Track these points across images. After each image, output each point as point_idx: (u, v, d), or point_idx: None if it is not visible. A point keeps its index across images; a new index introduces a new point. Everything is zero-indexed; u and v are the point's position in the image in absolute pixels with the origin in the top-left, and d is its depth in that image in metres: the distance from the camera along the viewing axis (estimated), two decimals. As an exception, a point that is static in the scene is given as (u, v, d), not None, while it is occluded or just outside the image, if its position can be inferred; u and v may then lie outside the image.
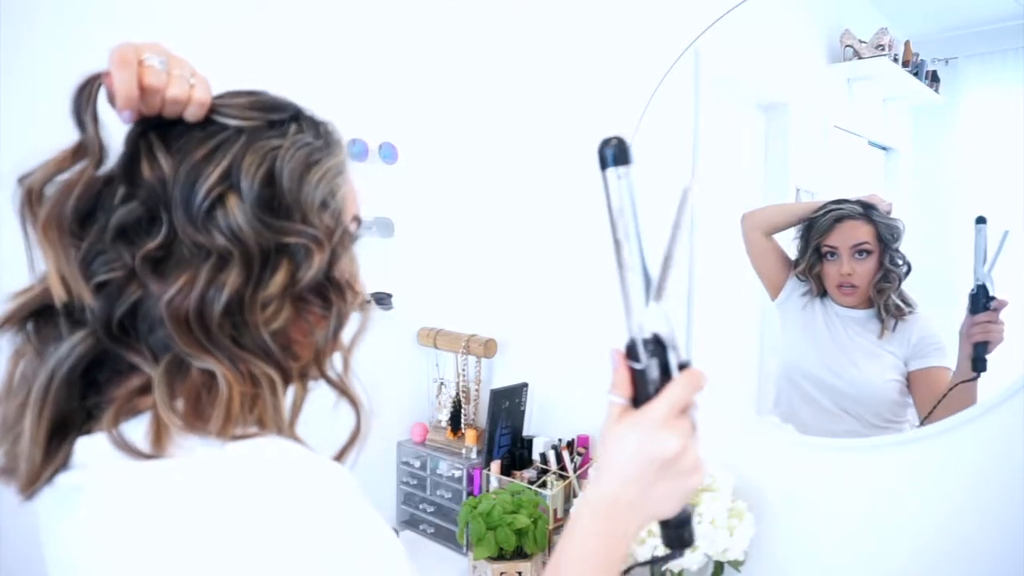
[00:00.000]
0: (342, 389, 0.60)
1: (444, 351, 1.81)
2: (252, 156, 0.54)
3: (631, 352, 0.55)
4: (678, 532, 0.58)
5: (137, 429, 0.49)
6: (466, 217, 1.85)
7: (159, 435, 0.48)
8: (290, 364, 0.55)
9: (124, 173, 0.53)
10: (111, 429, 0.49)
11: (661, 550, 0.65)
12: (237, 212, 0.52)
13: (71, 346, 0.52)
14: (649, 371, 0.54)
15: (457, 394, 1.77)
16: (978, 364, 1.11)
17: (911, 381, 1.22)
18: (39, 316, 0.53)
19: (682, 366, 0.55)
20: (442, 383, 1.83)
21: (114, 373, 0.53)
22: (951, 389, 1.13)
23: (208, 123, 0.55)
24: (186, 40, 1.33)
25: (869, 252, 1.25)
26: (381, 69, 1.74)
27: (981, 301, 1.12)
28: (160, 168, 0.52)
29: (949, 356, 1.17)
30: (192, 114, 0.54)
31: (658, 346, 0.54)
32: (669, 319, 0.54)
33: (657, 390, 0.54)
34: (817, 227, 1.29)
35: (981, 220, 1.13)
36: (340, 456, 0.58)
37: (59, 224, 0.51)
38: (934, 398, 1.17)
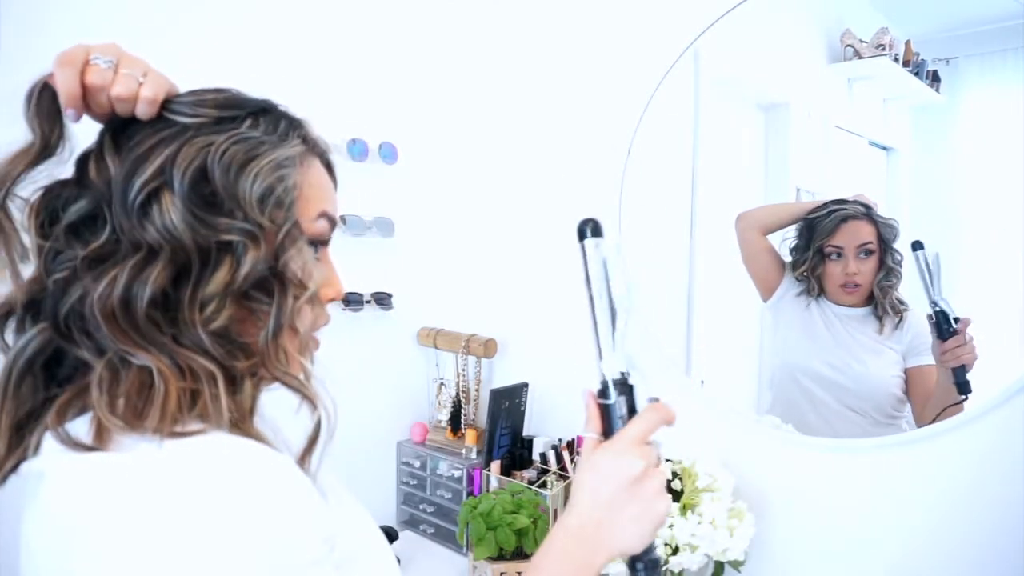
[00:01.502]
0: (295, 387, 0.56)
1: (444, 351, 1.80)
2: (186, 151, 0.53)
3: (603, 392, 0.64)
4: (648, 574, 0.61)
5: (83, 426, 0.50)
6: (466, 217, 1.85)
7: (100, 433, 0.48)
8: (234, 362, 0.53)
9: (76, 173, 0.55)
10: (55, 426, 0.50)
11: None
12: (171, 208, 0.52)
13: (26, 340, 0.53)
14: (618, 407, 0.63)
15: (457, 394, 1.77)
16: (962, 388, 1.13)
17: (907, 377, 1.24)
18: (10, 318, 0.55)
19: (653, 400, 0.63)
20: (442, 383, 1.83)
21: (74, 369, 0.54)
22: (941, 412, 1.14)
23: (160, 120, 0.55)
24: (186, 41, 1.34)
25: (872, 251, 1.26)
26: (381, 69, 1.74)
27: (944, 326, 1.14)
28: (106, 167, 0.53)
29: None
30: (143, 112, 0.54)
31: (625, 386, 0.63)
32: (633, 364, 0.64)
33: (625, 424, 0.63)
34: (821, 228, 1.30)
35: (918, 246, 1.16)
36: (301, 459, 0.55)
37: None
38: (927, 394, 1.20)
